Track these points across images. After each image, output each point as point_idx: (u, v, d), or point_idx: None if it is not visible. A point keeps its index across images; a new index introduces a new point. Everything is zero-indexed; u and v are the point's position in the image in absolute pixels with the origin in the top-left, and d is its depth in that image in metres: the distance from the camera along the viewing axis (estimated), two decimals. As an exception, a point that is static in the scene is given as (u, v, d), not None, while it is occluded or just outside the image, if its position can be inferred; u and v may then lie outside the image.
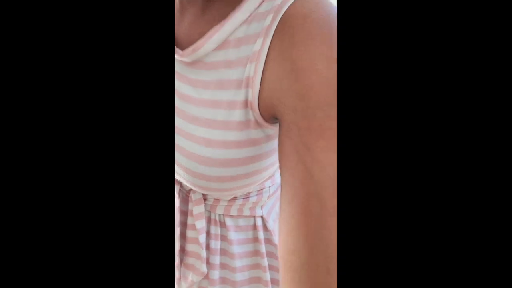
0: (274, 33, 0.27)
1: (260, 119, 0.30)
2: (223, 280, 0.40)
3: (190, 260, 0.40)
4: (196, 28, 0.31)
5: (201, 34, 0.30)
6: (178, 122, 0.33)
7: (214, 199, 0.38)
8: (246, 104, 0.29)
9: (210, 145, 0.31)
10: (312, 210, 0.26)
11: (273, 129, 0.31)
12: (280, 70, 0.27)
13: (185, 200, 0.40)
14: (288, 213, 0.27)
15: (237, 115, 0.30)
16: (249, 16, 0.29)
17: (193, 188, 0.36)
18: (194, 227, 0.39)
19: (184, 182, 0.35)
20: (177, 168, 0.35)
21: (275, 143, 0.33)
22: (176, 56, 0.31)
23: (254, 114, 0.29)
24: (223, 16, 0.29)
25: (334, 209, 0.27)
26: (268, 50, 0.27)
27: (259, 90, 0.28)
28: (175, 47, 0.31)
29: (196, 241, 0.39)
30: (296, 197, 0.27)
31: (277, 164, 0.35)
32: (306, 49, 0.26)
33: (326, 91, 0.27)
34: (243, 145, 0.31)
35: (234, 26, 0.29)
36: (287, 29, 0.27)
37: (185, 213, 0.40)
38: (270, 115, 0.29)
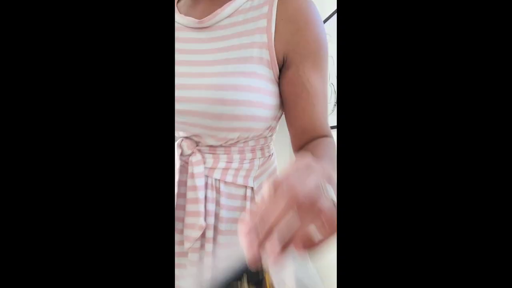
0: (277, 3, 0.43)
1: (273, 59, 0.43)
2: (215, 241, 0.46)
3: (190, 219, 0.45)
4: (208, 10, 0.46)
5: (215, 7, 0.45)
6: (189, 69, 0.44)
7: (213, 160, 0.45)
8: (263, 45, 0.43)
9: (232, 75, 0.42)
10: (303, 98, 0.44)
11: (275, 74, 0.45)
12: (288, 28, 0.43)
13: (184, 170, 0.46)
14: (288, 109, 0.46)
15: (256, 52, 0.43)
16: None
17: (200, 132, 0.43)
18: (193, 188, 0.45)
19: (192, 130, 0.44)
20: (182, 120, 0.43)
21: (274, 88, 0.45)
22: (193, 25, 0.45)
23: (270, 53, 0.44)
24: None
25: (318, 98, 0.44)
26: (276, 13, 0.43)
27: (274, 38, 0.43)
28: (192, 19, 0.46)
29: (195, 200, 0.45)
30: (297, 97, 0.44)
31: (271, 117, 0.46)
32: (301, 17, 0.43)
33: (317, 43, 0.45)
34: (254, 76, 0.43)
35: (241, 2, 0.45)
36: (287, 2, 0.43)
37: (183, 183, 0.45)
38: (280, 56, 0.44)
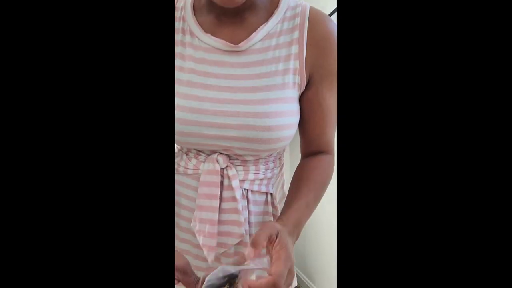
0: (307, 29, 0.46)
1: (303, 82, 0.47)
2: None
3: (226, 228, 0.49)
4: (239, 31, 0.46)
5: (246, 33, 0.46)
6: (222, 95, 0.44)
7: (244, 174, 0.49)
8: (295, 71, 0.46)
9: (267, 103, 0.44)
10: (317, 115, 0.48)
11: (299, 94, 0.49)
12: (316, 52, 0.46)
13: (215, 184, 0.49)
14: (303, 121, 0.50)
15: (290, 78, 0.45)
16: (280, 19, 0.47)
17: (239, 148, 0.46)
18: (231, 199, 0.48)
19: (226, 150, 0.46)
20: (217, 143, 0.45)
21: (298, 106, 0.49)
22: (226, 48, 0.45)
23: (301, 78, 0.46)
24: (261, 21, 0.47)
25: (330, 115, 0.49)
26: (307, 38, 0.45)
27: (306, 66, 0.46)
28: (225, 42, 0.45)
29: (235, 210, 0.48)
30: (312, 114, 0.48)
31: (290, 134, 0.49)
32: (328, 42, 0.46)
33: (335, 67, 0.46)
34: (287, 101, 0.46)
35: (272, 25, 0.46)
36: (316, 28, 0.46)
37: (214, 197, 0.48)
38: (307, 78, 0.47)
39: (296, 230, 0.42)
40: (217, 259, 0.50)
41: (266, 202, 0.52)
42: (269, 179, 0.52)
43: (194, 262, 0.50)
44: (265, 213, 0.52)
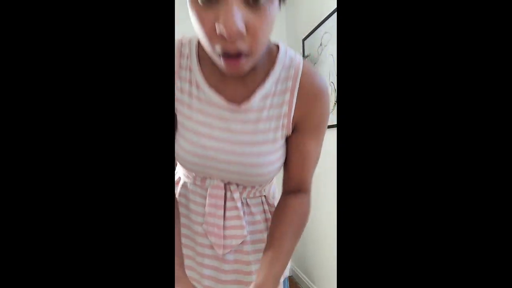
0: (298, 92, 0.53)
1: (289, 132, 0.55)
2: (252, 241, 0.63)
3: (230, 232, 0.60)
4: (240, 90, 0.53)
5: (248, 92, 0.52)
6: (222, 145, 0.53)
7: (242, 188, 0.60)
8: (283, 127, 0.54)
9: (261, 155, 0.53)
10: (298, 158, 0.57)
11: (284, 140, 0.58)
12: (302, 112, 0.53)
13: (220, 197, 0.59)
14: (286, 168, 0.60)
15: (281, 133, 0.54)
16: (276, 80, 0.53)
17: (237, 182, 0.58)
18: (233, 208, 0.59)
19: (236, 181, 0.57)
20: (222, 175, 0.56)
21: (284, 151, 0.58)
22: (231, 106, 0.52)
23: (287, 131, 0.55)
24: (259, 81, 0.53)
25: (309, 159, 0.58)
26: (296, 100, 0.53)
27: (292, 120, 0.54)
28: (227, 102, 0.52)
29: (236, 217, 0.59)
30: (294, 156, 0.57)
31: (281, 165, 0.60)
32: (314, 101, 0.54)
33: (321, 121, 0.56)
34: (278, 149, 0.55)
35: (268, 87, 0.52)
36: (306, 94, 0.53)
37: (219, 207, 0.59)
38: (292, 128, 0.55)
39: (276, 282, 0.51)
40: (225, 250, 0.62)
41: (261, 203, 0.64)
42: (262, 187, 0.63)
43: (200, 250, 0.62)
44: (261, 212, 0.64)
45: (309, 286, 2.08)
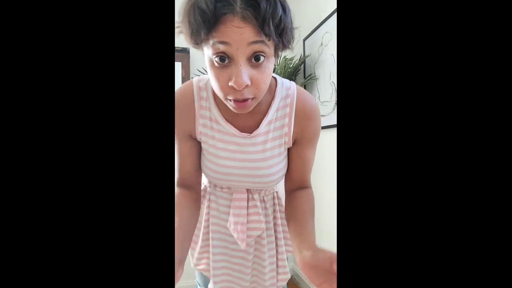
0: (294, 116, 0.68)
1: (290, 145, 0.71)
2: (267, 235, 0.79)
3: (251, 225, 0.76)
4: (249, 121, 0.68)
5: (255, 122, 0.68)
6: (236, 164, 0.70)
7: (259, 191, 0.77)
8: (285, 143, 0.70)
9: (270, 167, 0.70)
10: (299, 164, 0.72)
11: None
12: (299, 129, 0.68)
13: (243, 199, 0.76)
14: (287, 175, 0.75)
15: (282, 147, 0.70)
16: (276, 109, 0.68)
17: (259, 188, 0.75)
18: (254, 207, 0.76)
19: (254, 187, 0.75)
20: (240, 183, 0.72)
21: (286, 159, 0.75)
22: (244, 135, 0.68)
23: (288, 145, 0.71)
24: (263, 111, 0.68)
25: (308, 164, 0.73)
26: (294, 123, 0.68)
27: (292, 137, 0.69)
28: (240, 132, 0.69)
29: (256, 214, 0.76)
30: (295, 163, 0.72)
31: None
32: (308, 120, 0.68)
33: (314, 135, 0.71)
34: (283, 160, 0.72)
35: (271, 115, 0.68)
36: (301, 115, 0.68)
37: (243, 208, 0.76)
38: (292, 142, 0.71)
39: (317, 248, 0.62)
40: (247, 244, 0.77)
41: (273, 197, 0.82)
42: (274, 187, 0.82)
43: (225, 237, 0.79)
44: (272, 204, 0.82)
45: (310, 286, 2.08)
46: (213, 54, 0.51)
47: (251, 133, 0.69)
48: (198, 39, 0.51)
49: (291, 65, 1.95)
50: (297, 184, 0.74)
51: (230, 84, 0.52)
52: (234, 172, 0.69)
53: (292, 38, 0.56)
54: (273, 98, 0.69)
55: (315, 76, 1.90)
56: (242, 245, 0.75)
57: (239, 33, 0.48)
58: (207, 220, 0.79)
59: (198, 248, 0.82)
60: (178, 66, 2.10)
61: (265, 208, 0.79)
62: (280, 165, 0.71)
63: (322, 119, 1.81)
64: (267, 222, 0.79)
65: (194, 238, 0.82)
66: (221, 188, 0.77)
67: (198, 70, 2.16)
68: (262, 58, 0.52)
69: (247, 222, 0.76)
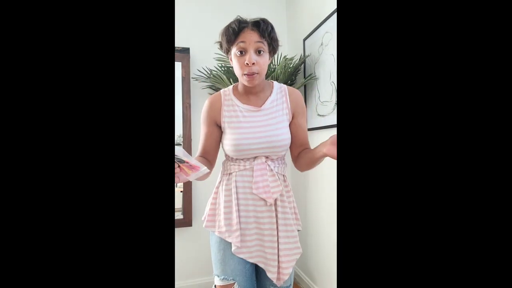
0: (288, 97, 1.09)
1: (290, 117, 1.08)
2: (280, 200, 1.04)
3: (271, 189, 1.01)
4: (258, 101, 1.06)
5: (262, 102, 1.06)
6: (251, 130, 1.01)
7: (274, 160, 1.05)
8: (286, 114, 1.07)
9: (279, 129, 1.02)
10: (299, 132, 1.11)
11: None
12: (293, 105, 1.08)
13: (264, 169, 1.03)
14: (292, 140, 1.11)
15: (285, 117, 1.06)
16: (276, 93, 1.09)
17: (268, 153, 1.02)
18: (271, 175, 1.02)
19: (269, 152, 1.02)
20: (259, 147, 1.00)
21: (289, 130, 1.07)
22: (255, 109, 1.04)
23: (289, 118, 1.08)
24: (266, 96, 1.08)
25: (305, 131, 1.12)
26: (289, 100, 1.08)
27: (291, 109, 1.08)
28: (253, 107, 1.05)
29: (274, 180, 1.02)
30: (297, 132, 1.09)
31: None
32: (298, 99, 1.10)
33: (304, 109, 1.12)
34: (286, 126, 1.05)
35: (273, 96, 1.08)
36: (293, 97, 1.09)
37: (265, 174, 1.02)
38: (291, 115, 1.09)
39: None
40: (270, 204, 1.02)
41: (284, 179, 1.07)
42: (283, 169, 1.08)
43: (252, 202, 1.02)
44: (281, 171, 1.06)
45: (310, 286, 2.08)
46: (237, 50, 0.96)
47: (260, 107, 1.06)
48: (230, 43, 0.96)
49: (291, 65, 1.95)
50: (301, 147, 1.07)
51: (245, 62, 0.95)
52: (252, 137, 0.99)
53: (278, 43, 1.02)
54: (272, 90, 1.09)
55: (315, 76, 1.90)
56: (269, 201, 1.01)
57: (250, 36, 0.95)
58: (229, 195, 1.02)
59: (222, 216, 1.02)
60: (178, 66, 2.10)
61: (276, 174, 1.04)
62: (285, 130, 1.03)
63: (322, 119, 1.81)
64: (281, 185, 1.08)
65: (215, 211, 1.05)
66: (244, 163, 1.03)
67: (198, 70, 2.16)
68: (262, 52, 0.97)
69: (267, 186, 1.02)
